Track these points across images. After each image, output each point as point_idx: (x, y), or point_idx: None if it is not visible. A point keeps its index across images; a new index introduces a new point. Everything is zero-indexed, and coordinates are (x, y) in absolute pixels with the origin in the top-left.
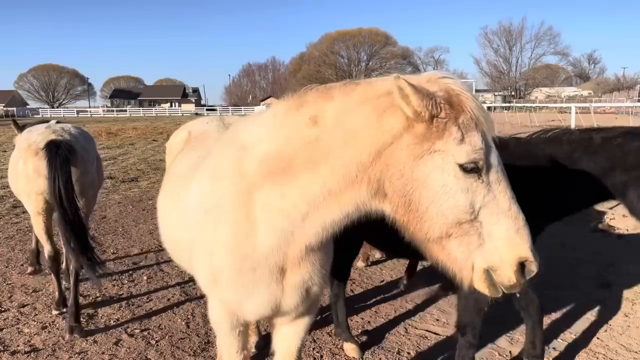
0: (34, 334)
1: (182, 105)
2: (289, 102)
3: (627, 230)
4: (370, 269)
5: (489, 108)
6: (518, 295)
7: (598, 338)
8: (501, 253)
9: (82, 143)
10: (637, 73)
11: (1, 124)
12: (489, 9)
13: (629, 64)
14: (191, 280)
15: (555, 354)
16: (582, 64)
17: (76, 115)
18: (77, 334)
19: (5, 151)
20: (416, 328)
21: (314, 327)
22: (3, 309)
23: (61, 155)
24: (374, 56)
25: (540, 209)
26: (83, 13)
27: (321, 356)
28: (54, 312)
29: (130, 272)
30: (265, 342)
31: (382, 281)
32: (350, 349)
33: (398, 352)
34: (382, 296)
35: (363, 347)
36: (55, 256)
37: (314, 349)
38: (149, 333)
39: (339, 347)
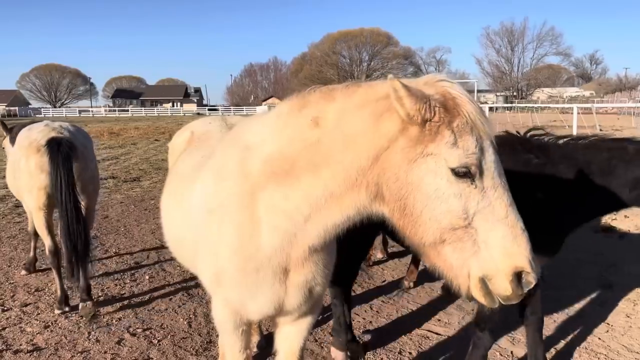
0: (37, 333)
1: (184, 105)
2: (292, 103)
3: (629, 230)
4: (372, 269)
5: (490, 108)
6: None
7: (599, 338)
8: (496, 262)
9: (82, 140)
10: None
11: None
12: (491, 9)
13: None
14: (193, 280)
15: (556, 354)
16: (584, 65)
17: (78, 115)
18: (90, 307)
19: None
20: (418, 328)
21: (315, 326)
22: (6, 308)
23: (63, 152)
24: (376, 56)
25: (577, 211)
26: (85, 13)
27: (323, 356)
28: (57, 312)
29: (133, 272)
30: (267, 342)
31: (384, 281)
32: (336, 354)
33: (400, 352)
34: (383, 296)
35: (365, 347)
36: (56, 251)
37: (315, 348)
38: (151, 332)
39: None
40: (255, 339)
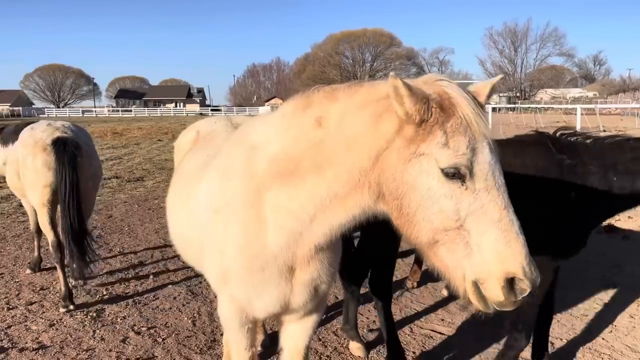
0: (42, 331)
1: (187, 105)
2: (296, 102)
3: (633, 231)
4: None
5: (493, 109)
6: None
7: (603, 339)
8: (488, 266)
9: (85, 139)
10: None
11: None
12: (494, 10)
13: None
14: (197, 279)
15: (560, 354)
16: (588, 65)
17: (81, 115)
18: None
19: None
20: (421, 328)
21: (320, 325)
22: (11, 307)
23: (69, 152)
24: (379, 57)
25: (603, 209)
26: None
27: (327, 355)
28: (62, 310)
29: (137, 271)
30: (271, 341)
31: None
32: (355, 347)
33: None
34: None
35: (369, 346)
36: (59, 245)
37: (319, 347)
38: (155, 331)
39: (344, 345)
40: (259, 337)
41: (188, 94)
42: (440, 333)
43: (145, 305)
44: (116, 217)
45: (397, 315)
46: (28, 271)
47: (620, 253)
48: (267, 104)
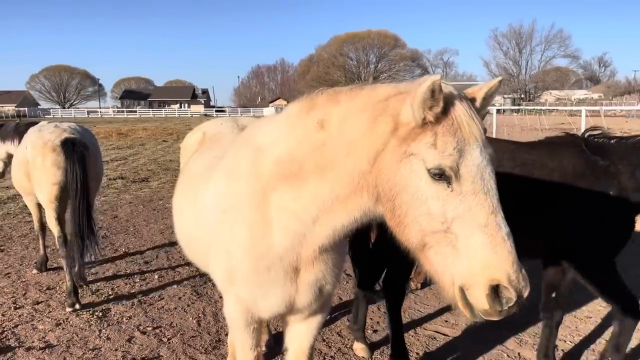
0: (49, 331)
1: (192, 106)
2: (301, 104)
3: (638, 233)
4: None
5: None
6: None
7: (607, 341)
8: (474, 271)
9: (90, 139)
10: None
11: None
12: (498, 11)
13: None
14: (202, 279)
15: (564, 356)
16: (593, 67)
17: (87, 116)
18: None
19: None
20: (425, 329)
21: (324, 326)
22: (18, 306)
23: (77, 152)
24: (383, 58)
25: (631, 209)
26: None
27: (332, 356)
28: (68, 310)
29: (142, 271)
30: (275, 341)
31: None
32: (359, 348)
33: None
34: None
35: (372, 347)
36: (65, 240)
37: (324, 348)
38: (160, 331)
39: (348, 346)
40: (264, 338)
41: (193, 95)
42: (443, 334)
43: (151, 305)
44: (121, 218)
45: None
46: (34, 271)
47: (625, 255)
48: (271, 105)
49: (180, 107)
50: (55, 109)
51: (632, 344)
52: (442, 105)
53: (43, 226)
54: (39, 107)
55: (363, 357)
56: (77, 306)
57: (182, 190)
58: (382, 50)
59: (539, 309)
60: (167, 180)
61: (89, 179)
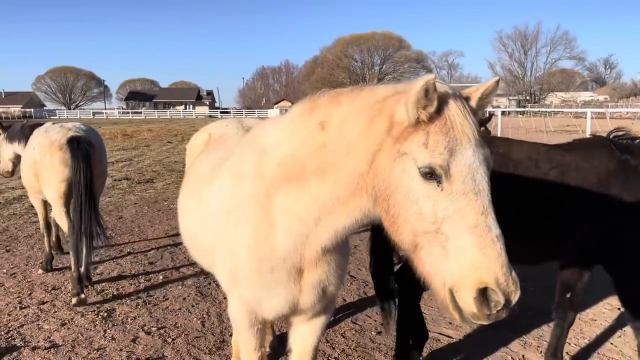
0: (54, 330)
1: (196, 107)
2: (304, 106)
3: None
4: None
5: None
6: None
7: (612, 344)
8: (462, 273)
9: (96, 138)
10: None
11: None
12: (504, 13)
13: None
14: (206, 280)
15: (570, 359)
16: (598, 69)
17: (92, 117)
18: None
19: None
20: (429, 331)
21: (328, 327)
22: (23, 306)
23: (83, 150)
24: (388, 60)
25: None
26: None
27: (335, 357)
28: (73, 300)
29: (147, 272)
30: (279, 342)
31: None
32: None
33: None
34: (396, 299)
35: (376, 349)
36: (74, 229)
37: (327, 349)
38: (165, 331)
39: (352, 347)
40: (268, 338)
41: (197, 96)
42: (447, 336)
43: (155, 306)
44: (126, 219)
45: None
46: (40, 271)
47: None
48: (276, 106)
49: (185, 108)
50: (61, 110)
51: None
52: (436, 104)
53: (49, 224)
54: (44, 108)
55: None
56: (82, 295)
57: (188, 191)
58: (387, 51)
59: (543, 311)
60: (171, 181)
61: (95, 176)
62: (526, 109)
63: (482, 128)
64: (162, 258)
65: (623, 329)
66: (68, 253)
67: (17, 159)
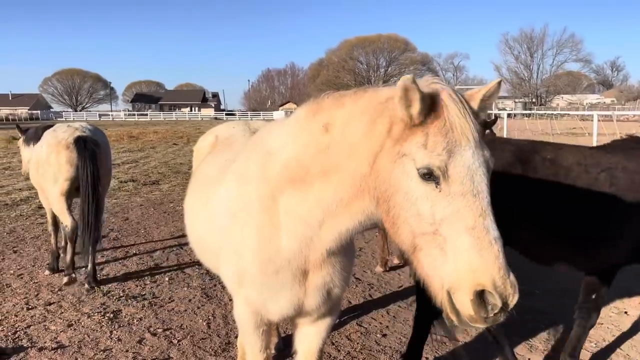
0: (60, 331)
1: (202, 109)
2: (308, 108)
3: None
4: (389, 274)
5: (509, 115)
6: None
7: (619, 348)
8: (460, 275)
9: (102, 138)
10: None
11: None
12: (510, 15)
13: None
14: (212, 281)
15: None
16: (605, 71)
17: (98, 119)
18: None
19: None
20: (434, 333)
21: (333, 329)
22: (30, 307)
23: (89, 149)
24: (393, 62)
25: None
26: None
27: (340, 359)
28: (64, 279)
29: (153, 273)
30: (284, 344)
31: (401, 286)
32: None
33: None
34: (400, 301)
35: (381, 351)
36: (75, 227)
37: (333, 351)
38: (171, 333)
39: (357, 350)
40: (273, 340)
41: (203, 98)
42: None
43: (161, 307)
44: (132, 220)
45: (410, 321)
46: (47, 272)
47: None
48: (281, 108)
49: (191, 110)
50: (67, 112)
51: None
52: (419, 105)
53: (56, 224)
54: (51, 110)
55: None
56: (74, 275)
57: (195, 193)
58: (392, 54)
59: (550, 314)
60: (177, 183)
61: (100, 175)
62: (532, 112)
63: (488, 131)
64: (167, 259)
65: (630, 333)
66: (78, 253)
67: None
